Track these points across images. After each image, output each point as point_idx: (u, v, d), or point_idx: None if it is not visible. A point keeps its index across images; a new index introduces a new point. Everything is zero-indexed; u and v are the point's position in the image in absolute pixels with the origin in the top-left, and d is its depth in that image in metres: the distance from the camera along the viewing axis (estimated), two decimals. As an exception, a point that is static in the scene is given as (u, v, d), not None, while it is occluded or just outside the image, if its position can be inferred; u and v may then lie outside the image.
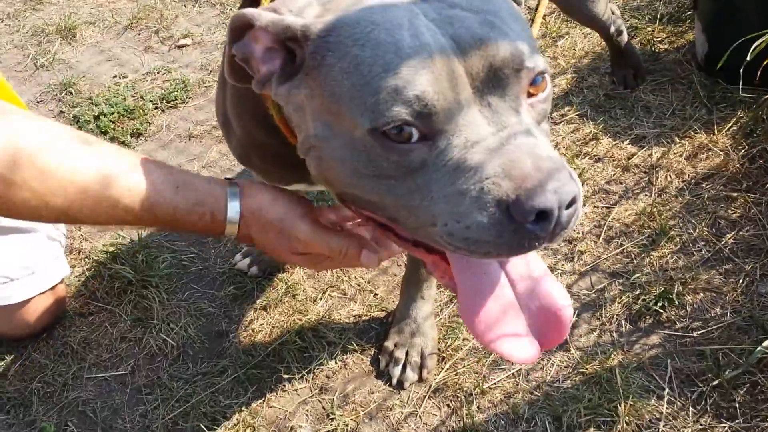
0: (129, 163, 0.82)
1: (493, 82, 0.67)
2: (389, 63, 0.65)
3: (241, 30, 0.75)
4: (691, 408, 1.28)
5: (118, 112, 2.01)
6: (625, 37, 1.90)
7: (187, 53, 2.29)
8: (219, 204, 0.85)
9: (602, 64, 2.07)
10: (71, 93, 2.13)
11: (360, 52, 0.67)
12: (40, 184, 0.77)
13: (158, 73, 2.20)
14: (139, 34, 2.38)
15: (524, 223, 0.62)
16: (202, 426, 1.31)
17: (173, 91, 2.09)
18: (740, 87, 1.64)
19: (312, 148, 0.75)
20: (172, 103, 2.07)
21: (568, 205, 0.63)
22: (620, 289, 1.49)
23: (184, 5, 2.49)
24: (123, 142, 1.94)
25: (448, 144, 0.65)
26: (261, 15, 0.73)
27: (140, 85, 2.15)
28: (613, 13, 1.79)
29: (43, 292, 1.44)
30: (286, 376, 1.38)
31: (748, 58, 1.49)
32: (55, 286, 1.47)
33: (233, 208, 0.85)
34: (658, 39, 2.14)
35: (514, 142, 0.65)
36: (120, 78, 2.19)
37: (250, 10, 0.74)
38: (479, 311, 0.71)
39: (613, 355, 1.36)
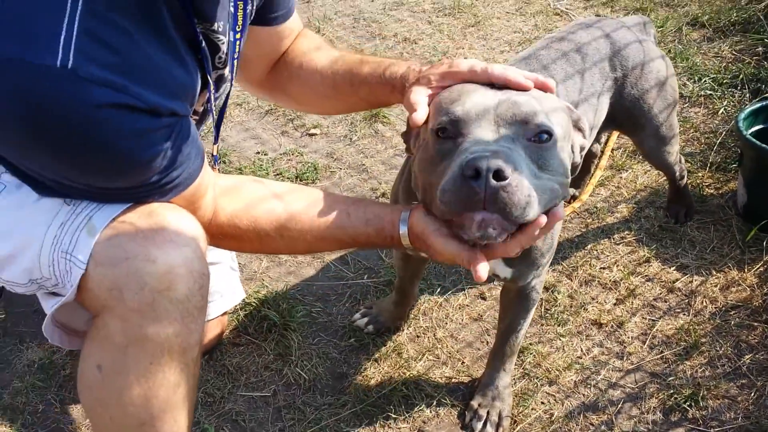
0: (340, 213, 1.30)
1: (509, 122, 1.13)
2: (450, 98, 1.21)
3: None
4: (706, 487, 1.65)
5: (262, 184, 2.50)
6: (685, 181, 2.33)
7: (316, 141, 2.80)
8: (394, 228, 1.27)
9: (658, 198, 2.51)
10: (225, 162, 2.64)
11: (443, 94, 1.24)
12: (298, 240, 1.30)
13: (293, 154, 2.70)
14: (277, 120, 2.91)
15: (468, 179, 1.03)
16: (329, 443, 1.72)
17: (305, 172, 2.59)
18: (770, 239, 2.05)
19: (414, 169, 1.26)
20: (305, 182, 2.56)
21: (497, 177, 1.01)
22: (657, 387, 1.88)
23: (315, 99, 3.03)
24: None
25: (463, 141, 1.12)
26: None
27: (278, 163, 2.65)
28: (680, 160, 2.22)
29: (218, 316, 1.88)
30: (393, 416, 1.79)
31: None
32: (225, 314, 1.92)
33: (403, 230, 1.26)
34: (706, 184, 2.57)
35: (498, 150, 1.08)
36: (262, 155, 2.70)
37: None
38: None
39: (648, 438, 1.75)
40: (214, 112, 1.39)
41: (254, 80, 1.64)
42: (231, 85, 1.41)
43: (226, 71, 1.35)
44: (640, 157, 2.69)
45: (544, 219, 1.11)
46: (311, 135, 2.83)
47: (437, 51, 3.35)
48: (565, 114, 1.23)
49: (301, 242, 1.30)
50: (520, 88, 1.19)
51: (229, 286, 1.89)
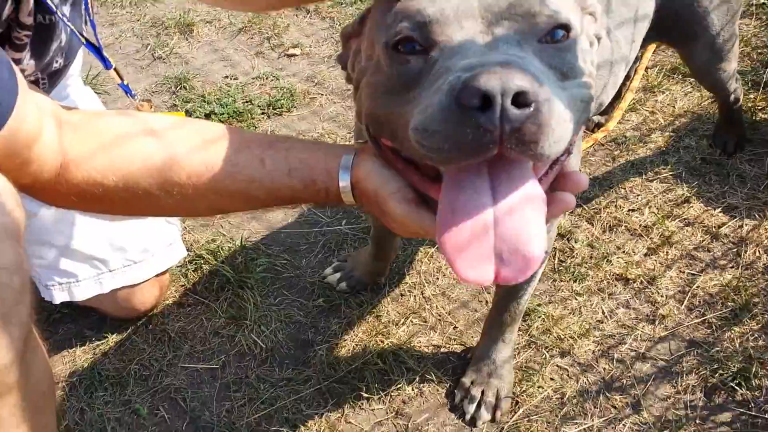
0: (251, 159, 0.89)
1: (506, 17, 0.72)
2: None
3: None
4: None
5: (228, 113, 2.12)
6: (740, 104, 1.90)
7: (295, 63, 2.39)
8: (332, 180, 0.87)
9: (701, 125, 2.08)
10: (185, 88, 2.25)
11: None
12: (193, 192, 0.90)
13: (267, 78, 2.31)
14: (252, 39, 2.50)
15: (469, 109, 0.61)
16: (284, 431, 1.40)
17: (280, 98, 2.20)
18: None
19: (358, 86, 0.84)
20: (277, 110, 2.17)
21: (520, 104, 0.61)
22: (698, 360, 1.51)
23: (296, 15, 2.60)
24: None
25: (440, 55, 0.71)
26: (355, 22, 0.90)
27: (249, 89, 2.26)
28: (736, 79, 1.80)
29: (153, 277, 1.55)
30: (365, 395, 1.45)
31: None
32: (164, 272, 1.58)
33: (344, 181, 0.87)
34: (759, 108, 2.13)
35: (508, 59, 0.66)
36: (231, 79, 2.31)
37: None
38: (452, 228, 0.68)
39: (685, 427, 1.38)
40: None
41: None
42: None
43: None
44: (680, 75, 2.25)
45: (583, 178, 0.79)
46: (290, 56, 2.42)
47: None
48: None
49: (201, 200, 0.91)
50: None
51: (163, 243, 1.54)
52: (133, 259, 1.50)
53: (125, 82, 1.29)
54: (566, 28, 0.74)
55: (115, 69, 1.28)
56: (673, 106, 2.17)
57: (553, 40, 0.74)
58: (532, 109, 0.62)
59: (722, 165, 1.95)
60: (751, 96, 2.16)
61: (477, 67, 0.64)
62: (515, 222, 0.68)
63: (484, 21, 0.72)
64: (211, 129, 0.93)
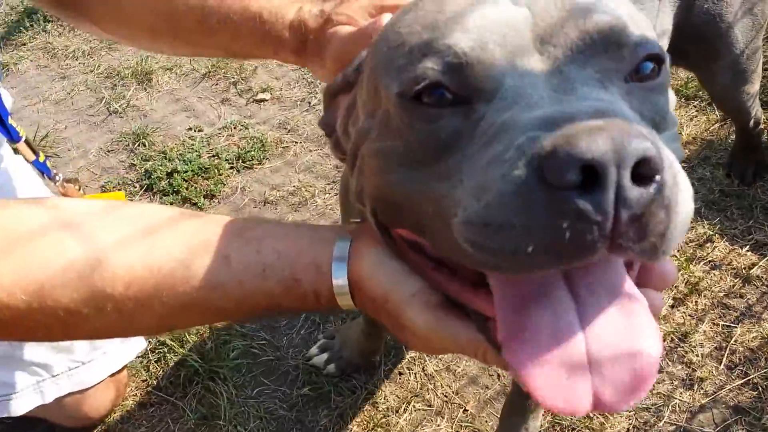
0: (210, 252, 0.64)
1: (576, 47, 0.49)
2: (430, 19, 0.53)
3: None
4: None
5: (192, 171, 1.90)
6: (761, 129, 1.73)
7: (265, 108, 2.18)
8: (322, 278, 0.63)
9: (713, 153, 1.90)
10: (144, 144, 2.04)
11: (403, 16, 0.56)
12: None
13: (234, 128, 2.10)
14: (217, 85, 2.29)
15: (562, 191, 0.40)
16: None
17: (250, 150, 1.98)
18: None
19: (357, 154, 0.60)
20: (247, 163, 1.96)
21: (643, 178, 0.40)
22: (747, 430, 1.30)
23: (264, 56, 2.40)
24: (195, 204, 1.83)
25: (490, 109, 0.48)
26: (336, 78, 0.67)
27: (216, 141, 2.05)
28: (757, 102, 1.62)
29: (107, 378, 1.31)
30: (366, 506, 1.22)
31: None
32: (120, 370, 1.35)
33: (339, 279, 0.62)
34: (773, 128, 1.96)
35: (602, 107, 0.45)
36: (195, 131, 2.10)
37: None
38: (536, 361, 0.45)
39: None
40: None
41: None
42: None
43: None
44: (682, 99, 2.08)
45: (670, 270, 0.56)
46: (259, 101, 2.21)
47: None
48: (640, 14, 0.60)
49: (144, 317, 0.67)
50: None
51: (117, 339, 1.31)
52: (80, 360, 1.26)
53: (41, 159, 1.07)
54: (657, 59, 0.52)
55: (26, 141, 1.05)
56: (680, 134, 1.99)
57: (642, 77, 0.52)
58: (656, 186, 0.41)
59: (743, 197, 1.76)
60: (764, 117, 1.98)
61: (560, 121, 0.42)
62: (616, 336, 0.46)
63: (545, 53, 0.50)
64: (156, 215, 0.69)
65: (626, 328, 0.46)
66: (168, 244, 0.66)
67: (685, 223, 0.45)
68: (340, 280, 0.62)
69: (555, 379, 0.44)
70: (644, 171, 0.40)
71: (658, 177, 0.41)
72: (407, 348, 1.37)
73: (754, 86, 1.47)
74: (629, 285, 0.49)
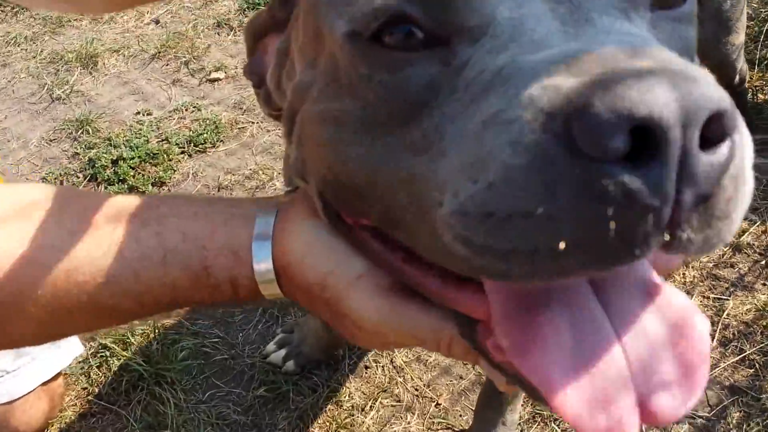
0: (94, 236, 0.51)
1: None
2: None
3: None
4: None
5: (139, 157, 1.76)
6: (746, 88, 1.61)
7: (219, 88, 2.04)
8: (240, 264, 0.50)
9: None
10: (88, 132, 1.89)
11: None
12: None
13: (186, 110, 1.95)
14: (167, 65, 2.14)
15: (602, 163, 0.29)
16: None
17: (202, 132, 1.84)
18: None
19: (294, 118, 0.46)
20: (200, 146, 1.82)
21: (708, 142, 0.29)
22: (745, 411, 1.20)
23: (218, 33, 2.25)
24: (143, 192, 1.69)
25: (477, 51, 0.36)
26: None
27: (165, 125, 1.90)
28: (742, 57, 1.50)
29: (38, 387, 1.18)
30: None
31: None
32: (54, 378, 1.22)
33: (261, 263, 0.50)
34: (757, 86, 1.84)
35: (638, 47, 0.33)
36: (144, 115, 1.95)
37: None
38: (566, 376, 0.34)
39: None
40: None
41: None
42: None
43: None
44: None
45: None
46: (213, 81, 2.06)
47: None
48: None
49: (13, 322, 0.55)
50: None
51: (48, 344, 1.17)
52: (5, 369, 1.13)
53: None
54: None
55: None
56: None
57: (668, 3, 0.39)
58: (728, 150, 0.30)
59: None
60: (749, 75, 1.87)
61: (586, 62, 0.30)
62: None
63: None
64: (29, 194, 0.56)
65: (661, 319, 0.37)
66: (45, 229, 0.52)
67: (749, 198, 0.33)
68: (262, 264, 0.50)
69: (592, 396, 0.33)
70: (715, 131, 0.28)
71: (730, 138, 0.29)
72: (352, 344, 1.24)
73: (739, 37, 1.35)
74: (651, 269, 0.39)
